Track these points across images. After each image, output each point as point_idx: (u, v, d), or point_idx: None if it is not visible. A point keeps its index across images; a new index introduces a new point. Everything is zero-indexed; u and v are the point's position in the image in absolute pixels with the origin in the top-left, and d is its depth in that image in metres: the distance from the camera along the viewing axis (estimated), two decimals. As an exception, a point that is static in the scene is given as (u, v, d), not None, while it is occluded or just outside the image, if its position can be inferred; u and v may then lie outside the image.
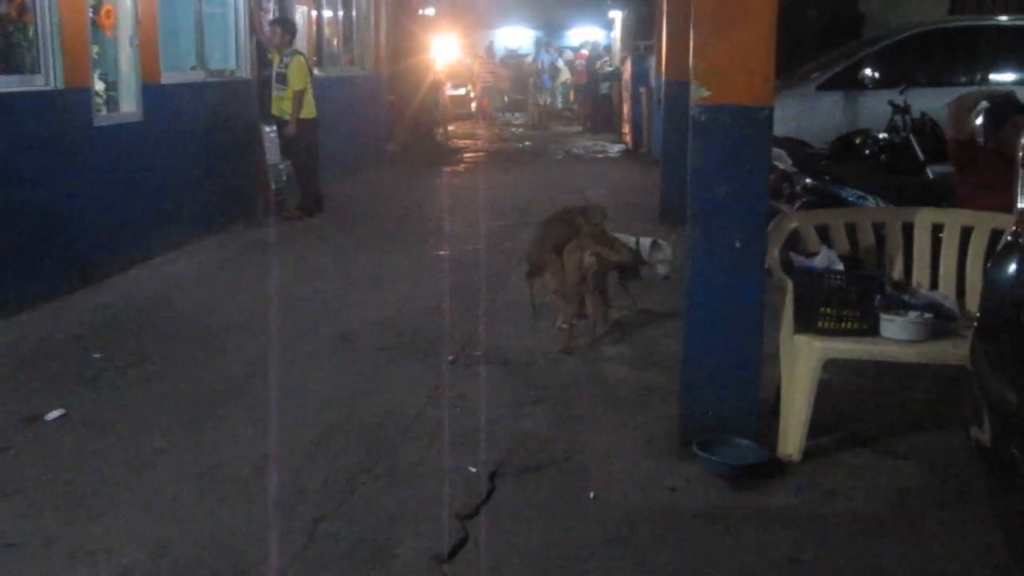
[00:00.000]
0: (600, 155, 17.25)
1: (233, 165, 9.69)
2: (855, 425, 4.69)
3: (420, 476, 4.12)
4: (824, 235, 4.86)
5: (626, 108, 17.78)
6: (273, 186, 10.16)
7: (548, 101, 24.78)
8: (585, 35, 34.50)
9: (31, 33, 6.83)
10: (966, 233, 4.80)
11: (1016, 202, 3.22)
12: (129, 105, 7.99)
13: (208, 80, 9.36)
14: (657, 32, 14.82)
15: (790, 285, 4.35)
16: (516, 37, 35.53)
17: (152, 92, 8.12)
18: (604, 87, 21.82)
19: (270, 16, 10.53)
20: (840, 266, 4.54)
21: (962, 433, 3.70)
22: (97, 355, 5.67)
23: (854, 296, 4.32)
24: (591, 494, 4.00)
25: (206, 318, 6.54)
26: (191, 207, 8.88)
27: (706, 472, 4.18)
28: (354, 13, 14.14)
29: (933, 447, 4.50)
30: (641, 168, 14.88)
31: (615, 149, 17.77)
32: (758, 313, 4.30)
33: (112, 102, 7.96)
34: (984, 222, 4.82)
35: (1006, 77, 9.82)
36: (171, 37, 8.76)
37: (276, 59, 9.99)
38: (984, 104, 6.05)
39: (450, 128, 20.00)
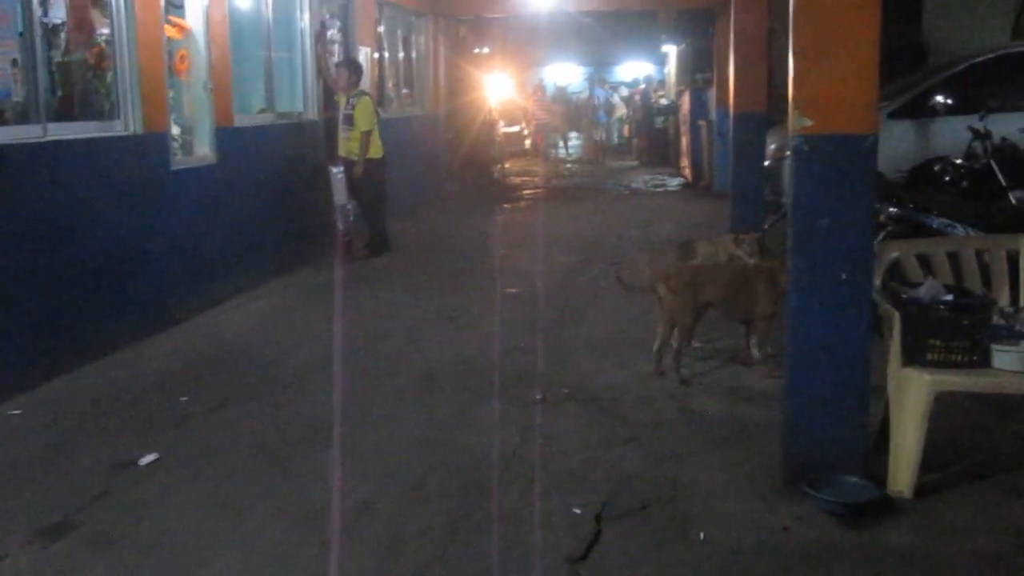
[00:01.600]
0: (660, 189, 17.15)
1: (302, 206, 9.74)
2: (965, 460, 4.53)
3: (522, 519, 4.03)
4: (923, 265, 4.74)
5: (684, 142, 17.69)
6: (341, 226, 10.19)
7: (603, 137, 24.76)
8: (634, 70, 34.60)
9: (109, 79, 6.92)
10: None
11: None
12: (203, 148, 8.07)
13: (277, 123, 9.45)
14: (719, 65, 14.79)
15: (897, 316, 4.21)
16: (566, 74, 35.71)
17: (225, 135, 8.19)
18: (659, 121, 21.77)
19: (336, 58, 10.62)
20: (946, 296, 4.41)
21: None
22: (183, 398, 5.67)
23: (964, 326, 4.19)
24: (700, 535, 3.89)
25: (285, 360, 6.52)
26: (262, 249, 8.93)
27: (816, 511, 4.04)
28: (414, 54, 14.25)
29: (1051, 483, 4.33)
30: (703, 201, 14.76)
31: (674, 183, 17.67)
32: (865, 345, 4.17)
33: (187, 145, 8.04)
34: (1093, 247, 4.67)
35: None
36: (241, 81, 8.84)
37: (342, 101, 10.05)
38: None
39: (506, 165, 20.03)
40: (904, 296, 4.36)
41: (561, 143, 25.15)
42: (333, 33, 10.74)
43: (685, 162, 17.75)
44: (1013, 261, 4.72)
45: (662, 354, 5.97)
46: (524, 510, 4.11)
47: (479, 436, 4.96)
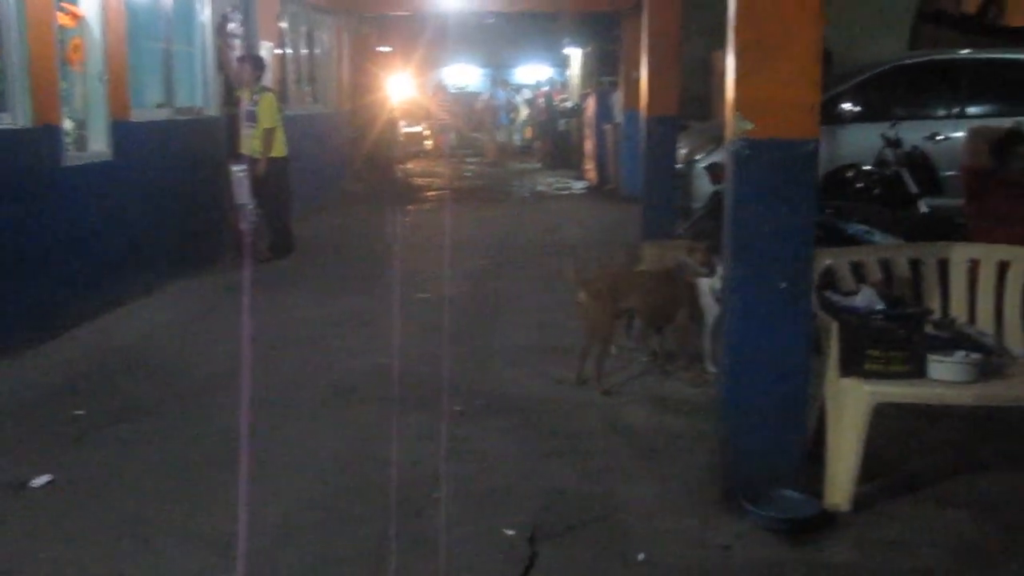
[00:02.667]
0: (565, 192, 17.08)
1: (202, 206, 9.34)
2: (897, 471, 4.48)
3: (455, 541, 3.81)
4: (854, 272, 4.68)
5: (589, 145, 17.64)
6: (243, 227, 9.80)
7: (505, 138, 24.65)
8: (534, 72, 34.64)
9: (-4, 68, 6.46)
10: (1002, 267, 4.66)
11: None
12: (98, 144, 7.61)
13: (176, 118, 9.02)
14: (626, 68, 14.76)
15: (835, 326, 4.12)
16: (464, 75, 35.54)
17: (121, 130, 7.75)
18: (562, 124, 21.73)
19: (237, 53, 10.21)
20: (881, 305, 4.34)
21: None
22: (78, 412, 5.28)
23: (901, 336, 4.12)
24: (640, 555, 3.72)
25: (189, 368, 6.16)
26: (161, 250, 8.50)
27: (756, 527, 3.92)
28: (317, 50, 13.86)
29: (985, 493, 4.30)
30: (610, 204, 14.72)
31: (579, 186, 17.61)
32: (806, 355, 4.07)
33: (80, 140, 7.58)
34: (1021, 257, 4.67)
35: (982, 109, 9.82)
36: (138, 73, 8.40)
37: (245, 96, 9.67)
38: (995, 135, 5.95)
39: (408, 166, 19.73)
40: (841, 305, 4.29)
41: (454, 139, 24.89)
42: (234, 27, 10.32)
43: (590, 165, 17.71)
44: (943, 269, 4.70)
45: (584, 362, 5.81)
46: (455, 532, 3.89)
47: (402, 452, 4.70)
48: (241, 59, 9.80)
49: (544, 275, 9.32)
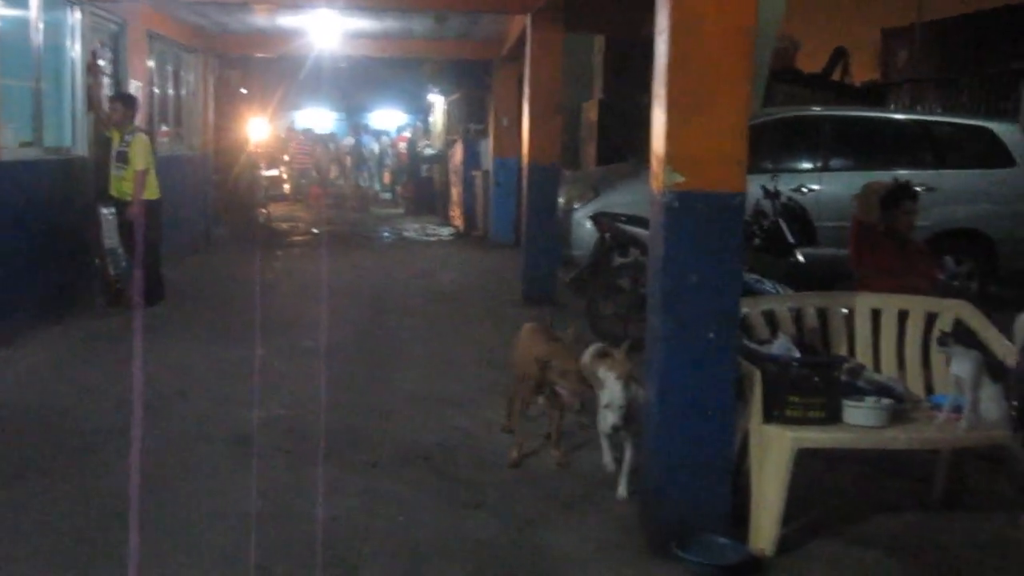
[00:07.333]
0: (433, 238, 17.04)
1: (70, 249, 8.89)
2: (812, 512, 4.59)
3: (392, 600, 3.70)
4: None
5: (456, 191, 17.70)
6: (112, 272, 9.38)
7: (367, 183, 24.51)
8: (391, 118, 34.53)
9: None
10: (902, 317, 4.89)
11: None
12: (-38, 184, 7.18)
13: (44, 157, 8.59)
14: (497, 115, 14.92)
15: (757, 374, 4.22)
16: (317, 119, 35.14)
17: (-13, 169, 7.34)
18: (425, 169, 21.76)
19: (107, 91, 9.83)
20: (797, 353, 4.48)
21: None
22: (-44, 472, 4.91)
23: (819, 383, 4.26)
24: (581, 608, 3.70)
25: (73, 423, 5.82)
26: (25, 295, 8.04)
27: (687, 573, 3.95)
28: (183, 90, 13.49)
29: (896, 531, 4.46)
30: (481, 251, 14.77)
31: (446, 232, 17.62)
32: (732, 403, 4.15)
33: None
34: (918, 306, 4.91)
35: (843, 163, 10.31)
36: (4, 110, 7.97)
37: (116, 137, 9.26)
38: (884, 189, 6.25)
39: (268, 210, 19.34)
40: (761, 353, 4.40)
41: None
42: (104, 64, 9.94)
43: (456, 212, 17.76)
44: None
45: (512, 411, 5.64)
46: (391, 589, 3.78)
47: (319, 507, 4.55)
48: (113, 98, 9.43)
49: (427, 323, 9.27)
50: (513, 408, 5.55)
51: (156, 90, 12.34)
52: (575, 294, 9.23)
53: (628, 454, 4.81)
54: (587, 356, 5.24)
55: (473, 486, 4.94)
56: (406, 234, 17.65)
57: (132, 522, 4.30)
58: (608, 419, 4.76)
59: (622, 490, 4.77)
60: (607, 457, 5.07)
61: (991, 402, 4.28)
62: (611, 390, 4.75)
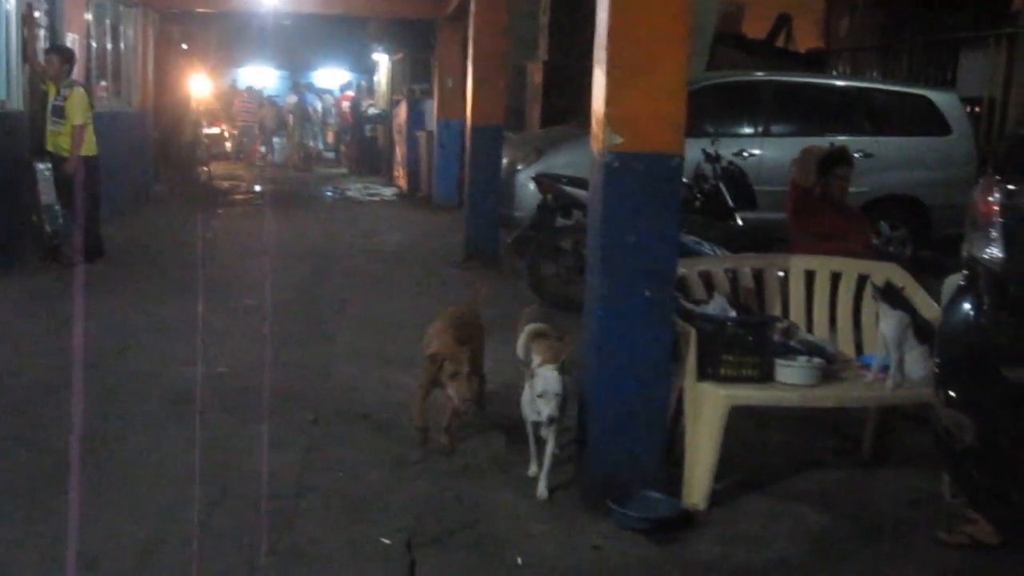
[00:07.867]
0: (375, 198, 16.97)
1: (5, 206, 8.73)
2: (744, 469, 4.71)
3: (331, 553, 3.75)
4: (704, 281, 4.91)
5: (400, 152, 17.62)
6: (48, 229, 9.24)
7: (311, 143, 24.27)
8: (334, 77, 34.11)
9: None
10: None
11: (966, 250, 3.33)
12: None
13: (-24, 112, 8.42)
14: (441, 76, 14.85)
15: (693, 333, 4.31)
16: (260, 76, 34.58)
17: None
18: (368, 129, 21.60)
19: (42, 44, 9.62)
20: (732, 313, 4.58)
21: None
22: None
23: (752, 342, 4.36)
24: (518, 559, 3.79)
25: (10, 380, 5.76)
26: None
27: (621, 527, 4.05)
28: (122, 45, 13.23)
29: (826, 487, 4.60)
30: (424, 212, 14.75)
31: (389, 192, 17.56)
32: (667, 361, 4.24)
33: None
34: (851, 269, 5.03)
35: (784, 128, 10.43)
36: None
37: (52, 91, 9.10)
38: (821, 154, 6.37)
39: (210, 168, 19.10)
40: (697, 312, 4.49)
41: (264, 148, 24.21)
42: (40, 16, 9.72)
43: (400, 172, 17.69)
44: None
45: None
46: (330, 543, 3.83)
47: (259, 464, 4.56)
48: (50, 51, 9.25)
49: (369, 283, 9.27)
50: (415, 407, 4.97)
51: (94, 44, 12.09)
52: (517, 255, 9.27)
53: (549, 447, 4.37)
54: (522, 337, 4.92)
55: (414, 443, 4.98)
56: (349, 194, 17.56)
57: (73, 480, 4.31)
58: (543, 410, 4.25)
59: (542, 488, 4.33)
60: (533, 466, 4.51)
61: (917, 362, 4.40)
62: (545, 378, 4.29)
